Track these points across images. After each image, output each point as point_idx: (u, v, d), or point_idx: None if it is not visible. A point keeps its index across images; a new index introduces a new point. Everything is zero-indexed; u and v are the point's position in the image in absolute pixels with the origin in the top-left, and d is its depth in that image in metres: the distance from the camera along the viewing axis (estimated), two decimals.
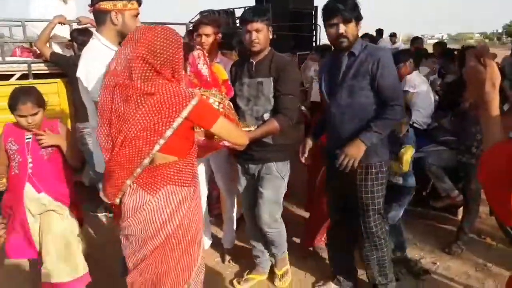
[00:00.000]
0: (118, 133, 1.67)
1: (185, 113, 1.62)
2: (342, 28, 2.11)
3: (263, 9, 2.41)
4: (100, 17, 2.00)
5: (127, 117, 1.65)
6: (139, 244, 1.77)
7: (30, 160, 2.27)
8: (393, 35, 10.37)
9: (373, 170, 2.27)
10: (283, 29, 7.37)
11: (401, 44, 10.22)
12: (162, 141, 1.64)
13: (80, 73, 1.96)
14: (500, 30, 78.23)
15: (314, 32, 8.80)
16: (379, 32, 7.56)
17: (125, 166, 1.70)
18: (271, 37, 2.38)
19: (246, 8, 4.22)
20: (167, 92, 1.63)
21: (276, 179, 2.52)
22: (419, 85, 3.81)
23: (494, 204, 1.06)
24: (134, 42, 1.67)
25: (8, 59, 3.87)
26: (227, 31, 3.51)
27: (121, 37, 2.01)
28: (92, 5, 1.97)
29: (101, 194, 1.81)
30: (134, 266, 1.81)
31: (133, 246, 1.79)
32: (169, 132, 1.63)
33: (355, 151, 2.14)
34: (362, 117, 2.20)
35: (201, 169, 2.93)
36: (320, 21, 6.46)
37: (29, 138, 2.28)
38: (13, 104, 2.17)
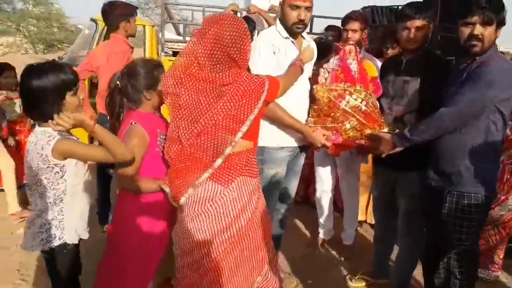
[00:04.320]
0: (193, 125, 1.64)
1: (263, 97, 1.70)
2: (478, 30, 1.83)
3: (426, 4, 2.23)
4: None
5: (205, 107, 1.63)
6: (202, 240, 1.68)
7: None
8: None
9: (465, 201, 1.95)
10: (453, 31, 6.62)
11: None
12: (245, 128, 1.66)
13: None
14: None
15: None
16: None
17: (201, 159, 1.64)
18: (430, 35, 2.22)
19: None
20: (243, 80, 1.67)
21: (414, 189, 2.26)
22: None
23: None
24: (201, 36, 1.65)
25: (188, 39, 4.54)
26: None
27: (284, 25, 2.23)
28: None
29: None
30: (193, 263, 1.72)
31: (192, 242, 1.70)
32: (252, 117, 1.67)
33: (384, 148, 2.11)
34: (466, 129, 1.91)
35: (326, 162, 3.01)
36: None
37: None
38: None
